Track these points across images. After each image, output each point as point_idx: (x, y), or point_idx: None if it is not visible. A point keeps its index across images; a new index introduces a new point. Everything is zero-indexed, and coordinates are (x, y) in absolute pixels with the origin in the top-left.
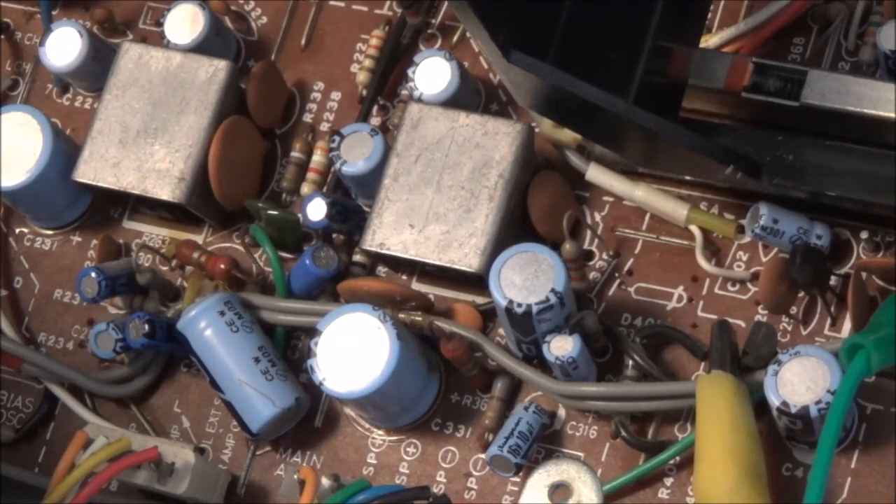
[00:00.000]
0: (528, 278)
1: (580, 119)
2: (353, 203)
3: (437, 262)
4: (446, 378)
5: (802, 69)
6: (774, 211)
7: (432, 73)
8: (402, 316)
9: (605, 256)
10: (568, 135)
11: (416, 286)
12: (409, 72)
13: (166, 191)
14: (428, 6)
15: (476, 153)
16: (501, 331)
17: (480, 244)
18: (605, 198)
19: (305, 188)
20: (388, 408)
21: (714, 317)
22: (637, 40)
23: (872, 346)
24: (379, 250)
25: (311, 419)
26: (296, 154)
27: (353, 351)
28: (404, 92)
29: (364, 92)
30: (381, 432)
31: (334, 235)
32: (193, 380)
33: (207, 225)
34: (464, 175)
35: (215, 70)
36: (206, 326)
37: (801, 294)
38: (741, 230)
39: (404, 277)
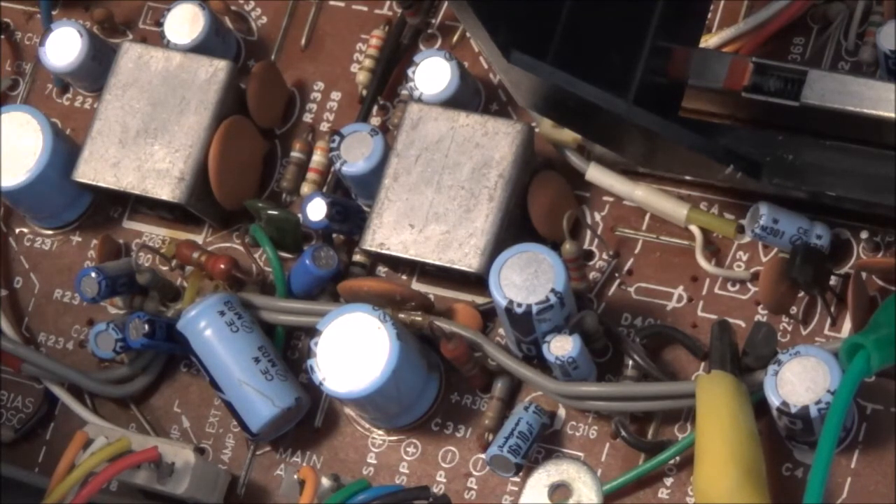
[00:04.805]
0: (528, 278)
1: (580, 119)
2: (353, 203)
3: (437, 262)
4: (446, 378)
5: (802, 69)
6: (774, 211)
7: (432, 73)
8: (402, 316)
9: (605, 256)
10: (568, 135)
11: (416, 286)
12: (409, 72)
13: (166, 191)
14: (428, 6)
15: (476, 153)
16: (501, 331)
17: (480, 244)
18: (605, 198)
19: (305, 188)
20: (388, 408)
21: (714, 317)
22: (637, 40)
23: (872, 346)
24: (379, 250)
25: (311, 419)
26: (296, 154)
27: (353, 351)
28: (404, 92)
29: (364, 92)
30: (381, 432)
31: (334, 235)
32: (193, 380)
33: (207, 225)
34: (464, 175)
35: (215, 70)
36: (206, 326)
37: (801, 294)
38: (741, 230)
39: (404, 277)
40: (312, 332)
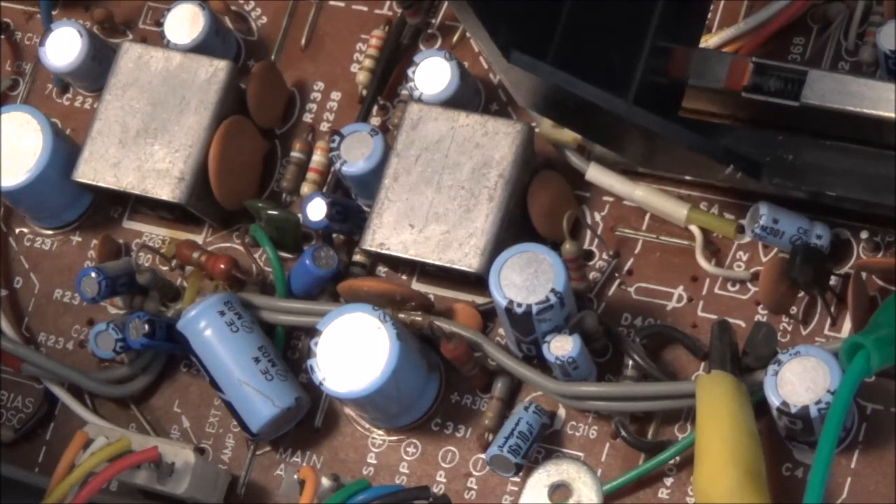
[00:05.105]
0: (528, 278)
1: (580, 119)
2: (353, 203)
3: (437, 262)
4: (446, 378)
5: (802, 69)
6: (774, 211)
7: (432, 73)
8: (402, 316)
9: (605, 256)
10: (568, 135)
11: (416, 286)
12: (409, 72)
13: (166, 191)
14: (428, 6)
15: (476, 153)
16: (501, 331)
17: (480, 244)
18: (605, 198)
19: (305, 188)
20: (388, 408)
21: (714, 317)
22: (637, 40)
23: (872, 346)
24: (379, 250)
25: (311, 419)
26: (296, 154)
27: (353, 351)
28: (404, 92)
29: (364, 92)
30: (381, 432)
31: (334, 235)
32: (193, 380)
33: (207, 225)
34: (464, 175)
35: (215, 70)
36: (206, 326)
37: (801, 294)
38: (741, 230)
39: (404, 277)
40: (312, 332)
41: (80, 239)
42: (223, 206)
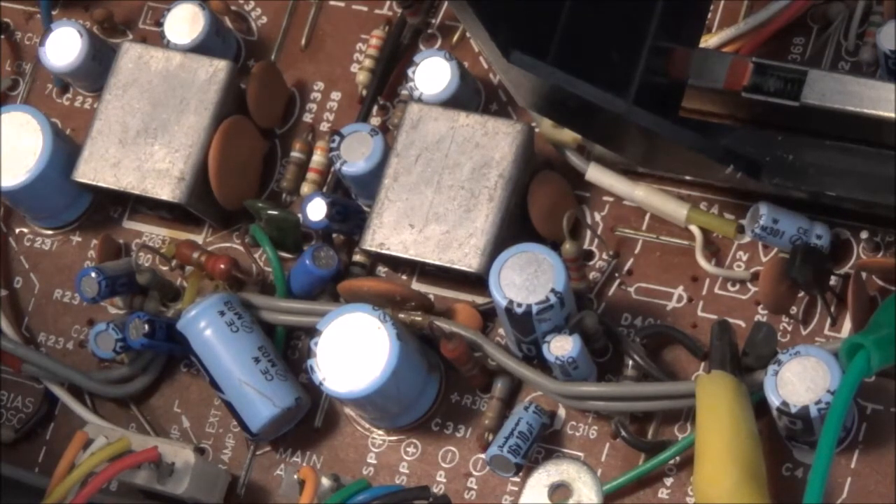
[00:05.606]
0: (528, 278)
1: (580, 119)
2: (353, 203)
3: (437, 262)
4: (446, 378)
5: (802, 69)
6: (774, 211)
7: (432, 73)
8: (402, 316)
9: (605, 256)
10: (568, 135)
11: (416, 286)
12: (409, 72)
13: (166, 191)
14: (428, 6)
15: (476, 153)
16: (501, 331)
17: (480, 244)
18: (605, 198)
19: (305, 188)
20: (388, 408)
21: (714, 317)
22: (637, 40)
23: (872, 346)
24: (379, 250)
25: (311, 419)
26: (296, 154)
27: (353, 351)
28: (404, 92)
29: (364, 92)
30: (381, 432)
31: (334, 235)
32: (193, 380)
33: (207, 225)
34: (464, 175)
35: (215, 70)
36: (206, 326)
37: (801, 294)
38: (741, 230)
39: (404, 277)
40: (312, 332)
41: (80, 239)
42: (223, 206)
